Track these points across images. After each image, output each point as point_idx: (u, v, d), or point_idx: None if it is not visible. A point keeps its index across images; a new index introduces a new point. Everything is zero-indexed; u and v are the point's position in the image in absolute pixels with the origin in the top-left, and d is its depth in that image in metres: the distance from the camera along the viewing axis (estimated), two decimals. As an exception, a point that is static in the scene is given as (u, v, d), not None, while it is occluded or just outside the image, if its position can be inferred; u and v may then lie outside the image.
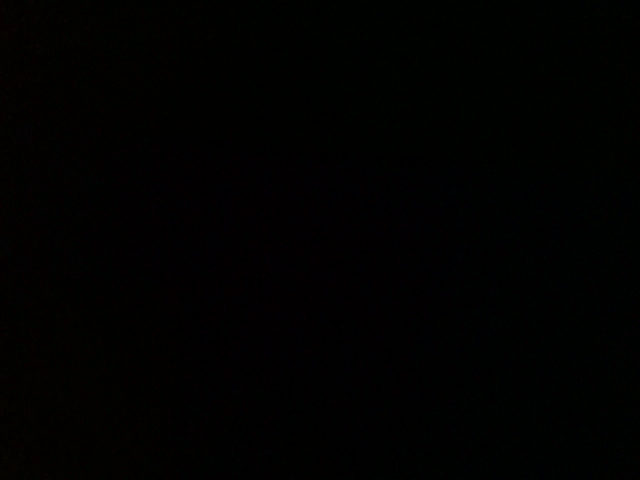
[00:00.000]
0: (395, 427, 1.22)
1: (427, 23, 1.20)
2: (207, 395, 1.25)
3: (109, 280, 1.26)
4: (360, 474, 1.22)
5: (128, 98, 1.26)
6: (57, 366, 1.28)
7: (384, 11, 1.21)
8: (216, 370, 1.25)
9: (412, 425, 1.21)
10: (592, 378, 1.19)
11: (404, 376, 1.22)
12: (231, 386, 1.25)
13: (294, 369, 1.23)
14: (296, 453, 1.23)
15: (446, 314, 1.21)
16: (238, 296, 1.24)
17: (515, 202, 1.20)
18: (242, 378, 1.24)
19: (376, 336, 1.22)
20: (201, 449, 1.25)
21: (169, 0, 1.25)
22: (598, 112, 1.18)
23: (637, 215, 1.18)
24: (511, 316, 1.20)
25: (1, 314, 1.29)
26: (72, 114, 1.27)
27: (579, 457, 1.19)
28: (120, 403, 1.26)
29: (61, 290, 1.28)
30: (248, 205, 1.24)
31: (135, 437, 1.26)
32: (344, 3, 1.22)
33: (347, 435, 1.23)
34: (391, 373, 1.22)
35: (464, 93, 1.20)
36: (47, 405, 1.28)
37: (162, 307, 1.25)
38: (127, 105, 1.26)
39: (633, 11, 1.16)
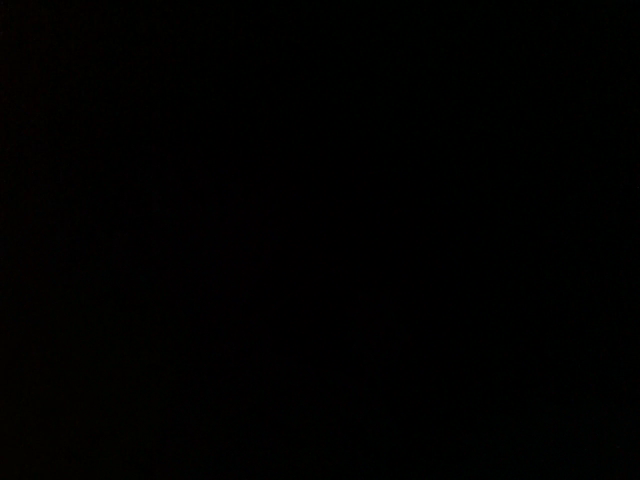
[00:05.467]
0: (396, 427, 1.22)
1: (427, 23, 1.21)
2: (207, 395, 1.25)
3: (109, 280, 1.27)
4: (360, 474, 1.23)
5: (128, 98, 1.26)
6: (57, 366, 1.28)
7: (384, 11, 1.21)
8: (216, 370, 1.25)
9: (413, 425, 1.22)
10: (592, 378, 1.19)
11: (405, 375, 1.22)
12: (231, 386, 1.25)
13: (293, 370, 1.24)
14: (296, 453, 1.24)
15: (446, 315, 1.21)
16: (238, 296, 1.24)
17: (515, 202, 1.20)
18: (242, 378, 1.25)
19: (375, 337, 1.22)
20: (201, 449, 1.25)
21: (169, 0, 1.25)
22: (598, 112, 1.18)
23: (637, 215, 1.18)
24: (511, 315, 1.20)
25: (1, 314, 1.29)
26: (72, 114, 1.27)
27: (579, 457, 1.19)
28: (120, 403, 1.27)
29: (61, 290, 1.28)
30: (248, 205, 1.24)
31: (135, 437, 1.26)
32: (344, 3, 1.22)
33: (347, 435, 1.23)
34: (392, 373, 1.22)
35: (464, 93, 1.20)
36: (47, 405, 1.28)
37: (162, 307, 1.26)
38: (127, 105, 1.26)
39: (633, 11, 1.16)
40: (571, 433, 1.19)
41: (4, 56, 1.28)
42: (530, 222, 1.20)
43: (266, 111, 1.23)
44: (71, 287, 1.27)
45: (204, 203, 1.24)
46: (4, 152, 1.28)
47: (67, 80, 1.27)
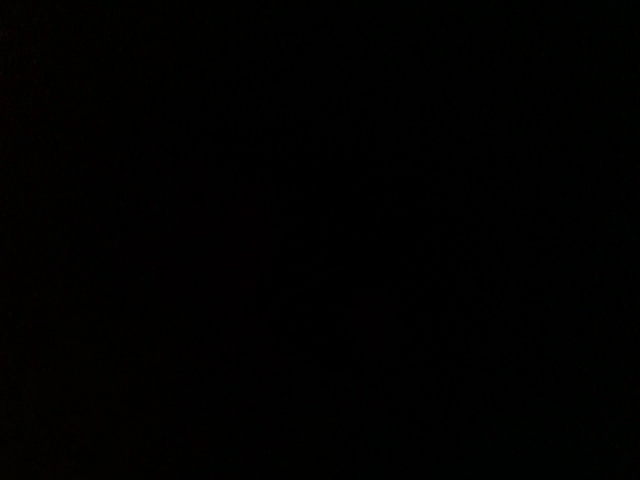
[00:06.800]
0: (396, 427, 1.22)
1: (427, 24, 1.20)
2: (207, 395, 1.25)
3: (109, 280, 1.26)
4: (360, 474, 1.22)
5: (128, 98, 1.26)
6: (57, 366, 1.28)
7: (384, 11, 1.21)
8: (216, 370, 1.25)
9: (413, 425, 1.21)
10: (592, 378, 1.19)
11: (405, 375, 1.22)
12: (231, 386, 1.24)
13: (293, 370, 1.23)
14: (296, 453, 1.23)
15: (446, 314, 1.21)
16: (238, 296, 1.24)
17: (515, 202, 1.20)
18: (242, 378, 1.24)
19: (375, 337, 1.22)
20: (201, 449, 1.25)
21: (169, 0, 1.25)
22: (598, 112, 1.18)
23: (637, 215, 1.18)
24: (511, 315, 1.20)
25: (1, 314, 1.29)
26: (72, 114, 1.27)
27: (579, 457, 1.19)
28: (120, 403, 1.26)
29: (61, 290, 1.28)
30: (248, 205, 1.24)
31: (135, 437, 1.26)
32: (344, 3, 1.22)
33: (347, 435, 1.23)
34: (392, 373, 1.22)
35: (464, 93, 1.20)
36: (47, 405, 1.28)
37: (162, 307, 1.25)
38: (127, 105, 1.26)
39: (633, 11, 1.16)
40: (571, 433, 1.19)
41: (4, 56, 1.28)
42: (530, 222, 1.20)
43: (266, 111, 1.23)
44: (71, 287, 1.27)
45: (204, 203, 1.24)
46: (4, 152, 1.28)
47: (67, 80, 1.27)
